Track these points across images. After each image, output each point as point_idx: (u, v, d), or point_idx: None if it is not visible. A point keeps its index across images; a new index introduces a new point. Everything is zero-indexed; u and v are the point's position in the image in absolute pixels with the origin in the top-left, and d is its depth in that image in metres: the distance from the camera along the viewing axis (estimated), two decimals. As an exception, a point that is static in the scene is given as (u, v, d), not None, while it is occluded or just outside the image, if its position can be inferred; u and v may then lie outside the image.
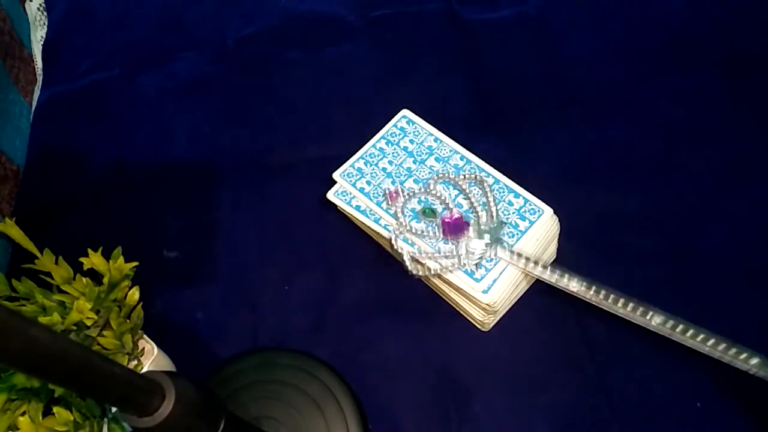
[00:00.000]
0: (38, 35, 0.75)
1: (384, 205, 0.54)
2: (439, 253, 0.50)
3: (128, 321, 0.48)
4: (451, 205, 0.52)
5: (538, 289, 0.54)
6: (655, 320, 0.45)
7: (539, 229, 0.51)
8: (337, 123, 0.65)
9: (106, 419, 0.44)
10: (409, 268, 0.51)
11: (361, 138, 0.58)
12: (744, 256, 0.54)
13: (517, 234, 0.51)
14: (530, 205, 0.52)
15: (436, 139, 0.57)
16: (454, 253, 0.50)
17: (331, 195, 0.56)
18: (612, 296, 0.47)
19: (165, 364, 0.51)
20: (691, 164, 0.59)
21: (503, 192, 0.53)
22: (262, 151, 0.64)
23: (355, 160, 0.57)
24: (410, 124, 0.58)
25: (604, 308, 0.47)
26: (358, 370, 0.52)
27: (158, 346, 0.50)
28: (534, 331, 0.53)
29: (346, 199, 0.55)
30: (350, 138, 0.58)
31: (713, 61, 0.65)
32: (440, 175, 0.54)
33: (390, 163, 0.56)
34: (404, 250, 0.51)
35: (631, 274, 0.54)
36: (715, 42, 0.66)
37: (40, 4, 0.77)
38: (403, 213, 0.52)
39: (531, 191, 0.53)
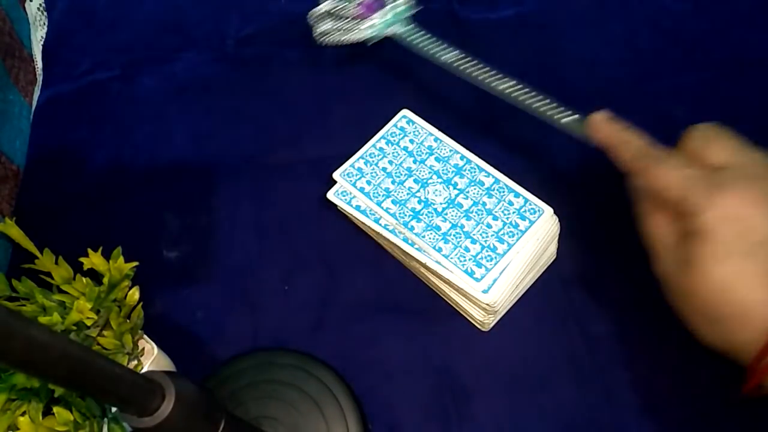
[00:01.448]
0: (38, 35, 0.75)
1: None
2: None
3: (128, 321, 0.48)
4: None
5: (538, 289, 0.54)
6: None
7: (539, 228, 0.51)
8: (337, 123, 0.65)
9: (106, 419, 0.44)
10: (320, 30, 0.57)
11: (361, 138, 0.58)
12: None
13: (518, 233, 0.51)
14: (530, 204, 0.52)
15: (436, 139, 0.57)
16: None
17: (331, 195, 0.56)
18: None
19: (165, 364, 0.51)
20: (691, 164, 0.59)
21: (503, 192, 0.53)
22: (262, 151, 0.64)
23: (355, 160, 0.57)
24: (410, 123, 0.58)
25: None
26: (358, 370, 0.52)
27: (158, 346, 0.50)
28: (534, 331, 0.53)
29: (346, 199, 0.55)
30: (350, 138, 0.58)
31: (715, 61, 0.65)
32: None
33: (390, 162, 0.56)
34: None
35: (631, 274, 0.54)
36: (716, 42, 0.66)
37: (40, 4, 0.77)
38: None
39: (531, 191, 0.53)
